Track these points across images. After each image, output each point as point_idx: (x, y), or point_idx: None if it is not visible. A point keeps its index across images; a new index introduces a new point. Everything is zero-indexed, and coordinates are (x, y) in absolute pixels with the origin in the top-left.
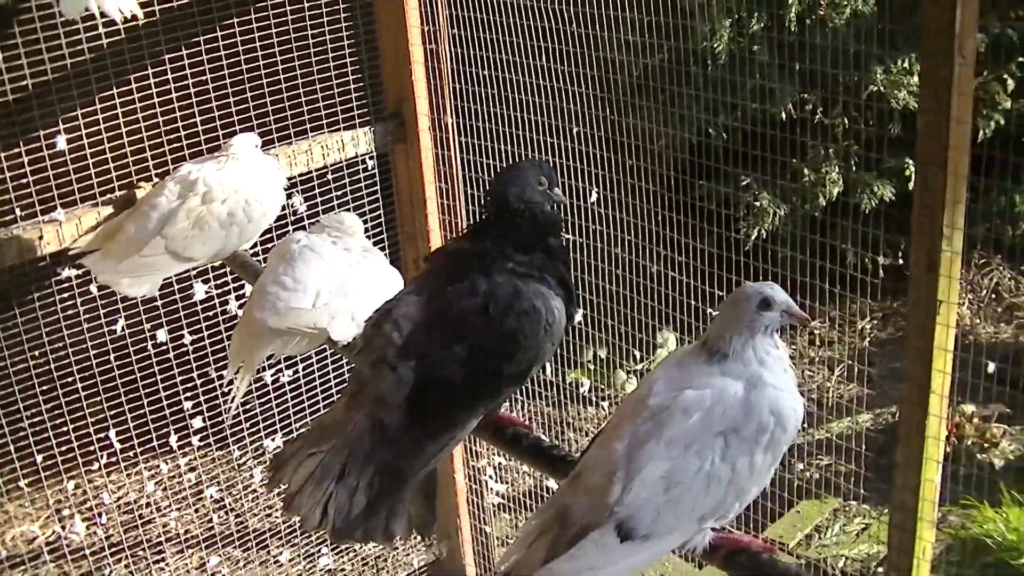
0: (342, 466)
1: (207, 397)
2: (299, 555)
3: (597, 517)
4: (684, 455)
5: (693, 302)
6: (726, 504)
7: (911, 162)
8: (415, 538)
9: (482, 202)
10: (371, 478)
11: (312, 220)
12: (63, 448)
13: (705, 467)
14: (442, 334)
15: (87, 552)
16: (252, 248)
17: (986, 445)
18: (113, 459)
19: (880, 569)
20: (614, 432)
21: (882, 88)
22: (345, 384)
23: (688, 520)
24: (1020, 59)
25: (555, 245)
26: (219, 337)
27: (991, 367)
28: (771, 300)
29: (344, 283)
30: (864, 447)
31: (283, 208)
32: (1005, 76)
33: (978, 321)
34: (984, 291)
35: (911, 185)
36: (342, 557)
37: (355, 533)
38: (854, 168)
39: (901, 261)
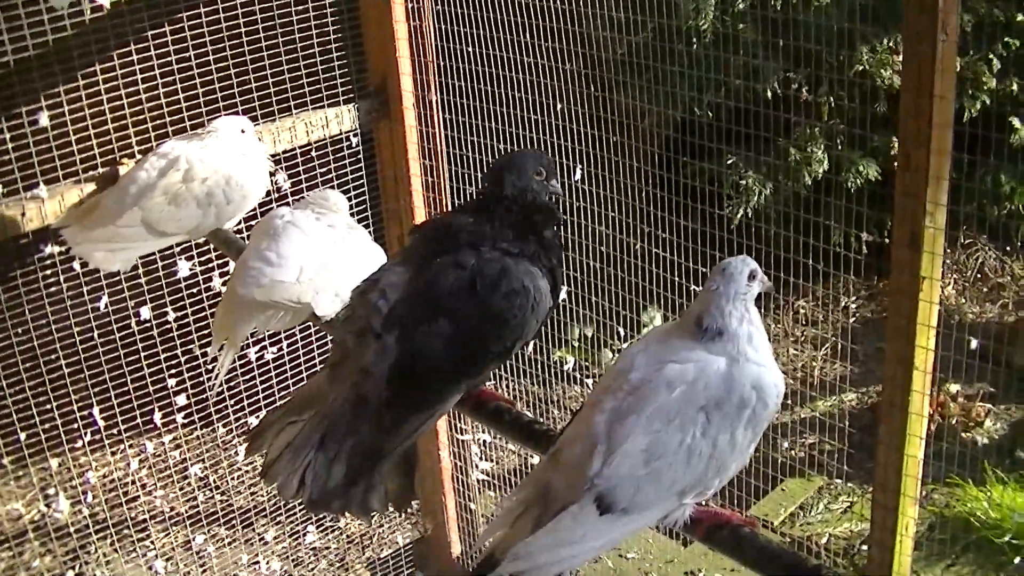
0: (321, 436)
1: (191, 375)
2: (284, 533)
3: (577, 491)
4: (666, 429)
5: (678, 279)
6: (706, 479)
7: (897, 141)
8: (396, 514)
9: (480, 184)
10: (350, 450)
11: (296, 197)
12: (47, 426)
13: (686, 442)
14: (427, 307)
15: (71, 531)
16: (236, 225)
17: (970, 424)
18: (97, 437)
19: (864, 547)
20: (594, 407)
21: (868, 67)
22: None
23: (668, 495)
24: (1006, 39)
25: (548, 236)
26: (203, 314)
27: (973, 343)
28: (755, 271)
29: (328, 259)
30: (849, 425)
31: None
32: (991, 56)
33: (963, 301)
34: (969, 271)
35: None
36: (327, 535)
37: (332, 504)
38: (839, 147)
39: (887, 239)
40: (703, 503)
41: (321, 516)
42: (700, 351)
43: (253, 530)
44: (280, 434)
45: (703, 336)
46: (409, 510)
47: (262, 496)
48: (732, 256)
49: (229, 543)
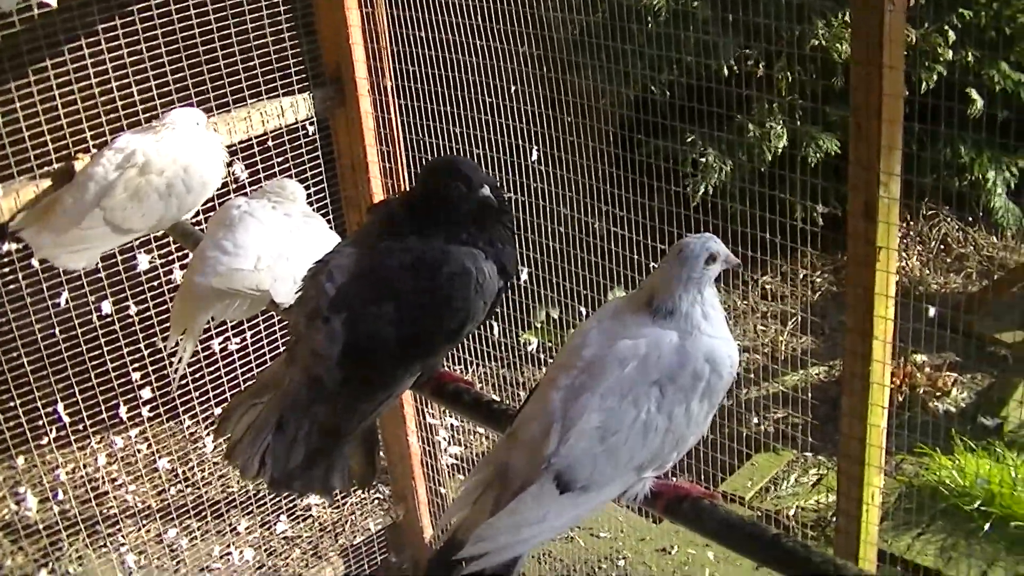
0: (279, 418)
1: (155, 368)
2: (256, 523)
3: (535, 470)
4: (620, 405)
5: (642, 258)
6: (664, 453)
7: None
8: (360, 492)
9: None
10: (308, 431)
11: (254, 188)
12: (11, 424)
13: (641, 417)
14: (372, 289)
15: (41, 529)
16: (194, 217)
17: (938, 394)
18: (63, 434)
19: (835, 519)
20: (550, 384)
21: (824, 42)
22: None
23: (626, 470)
24: (960, 10)
25: (491, 227)
26: (164, 307)
27: (931, 311)
28: (716, 254)
29: (285, 247)
30: (816, 399)
31: (224, 178)
32: (945, 27)
33: (927, 272)
34: (932, 242)
35: None
36: (299, 523)
37: (293, 484)
38: (799, 122)
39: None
40: (663, 477)
41: (292, 504)
42: (652, 326)
43: (225, 521)
44: (243, 416)
45: (654, 314)
46: (374, 489)
47: (233, 487)
48: (693, 234)
49: (201, 535)
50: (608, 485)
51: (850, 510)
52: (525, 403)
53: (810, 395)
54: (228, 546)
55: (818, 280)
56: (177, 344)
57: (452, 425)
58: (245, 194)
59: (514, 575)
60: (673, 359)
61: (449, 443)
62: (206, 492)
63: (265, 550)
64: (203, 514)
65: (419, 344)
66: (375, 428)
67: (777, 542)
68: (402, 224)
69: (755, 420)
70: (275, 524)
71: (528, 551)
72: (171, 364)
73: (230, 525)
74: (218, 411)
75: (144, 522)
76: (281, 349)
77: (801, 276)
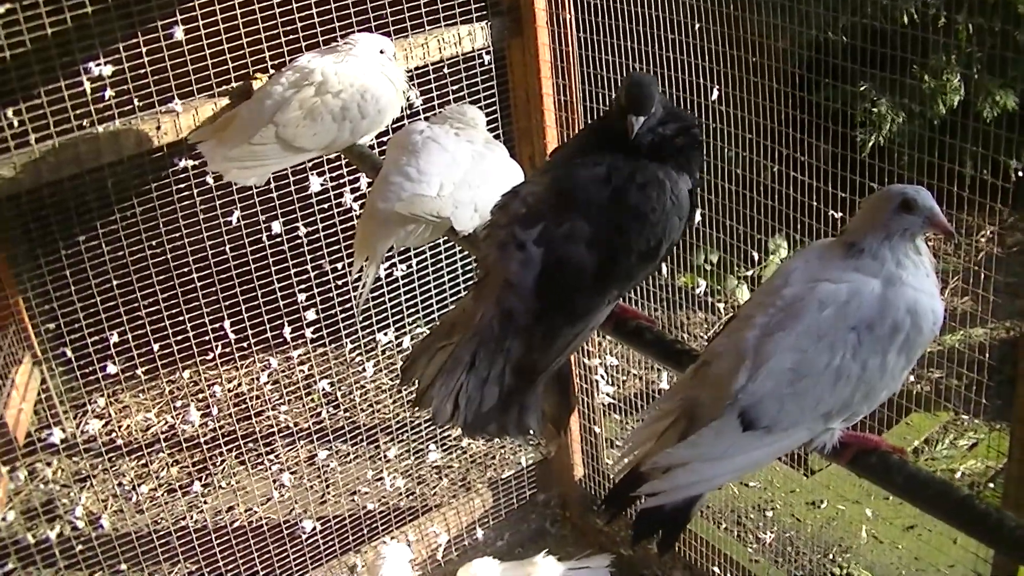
0: (472, 356)
1: (321, 290)
2: (407, 451)
3: (722, 406)
4: (814, 348)
5: (813, 202)
6: (853, 403)
7: None
8: (556, 434)
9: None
10: (502, 369)
11: (429, 114)
12: (179, 338)
13: (835, 363)
14: (566, 207)
15: (201, 441)
16: (370, 142)
17: None
18: (228, 350)
19: (991, 484)
20: (745, 321)
21: None
22: (457, 277)
23: (812, 416)
24: None
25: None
26: (333, 229)
27: None
28: (912, 202)
29: (467, 175)
30: (978, 362)
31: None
32: None
33: None
34: None
35: None
36: (450, 453)
37: (488, 427)
38: (976, 75)
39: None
40: (850, 428)
41: (444, 434)
42: (854, 272)
43: (376, 447)
44: (431, 361)
45: (850, 253)
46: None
47: (385, 413)
48: (871, 180)
49: (352, 459)
50: (792, 429)
51: (1023, 476)
52: (716, 337)
53: (984, 356)
54: (379, 471)
55: (983, 240)
56: (359, 271)
57: (610, 364)
58: (424, 119)
59: (692, 516)
60: (874, 307)
61: (606, 382)
62: (359, 417)
63: (415, 478)
64: (357, 438)
65: (616, 265)
66: (568, 366)
67: (968, 503)
68: (590, 147)
69: (911, 378)
70: (426, 453)
71: (708, 492)
72: (338, 288)
73: (381, 451)
74: (380, 336)
75: (299, 442)
76: (446, 276)
77: (968, 236)
